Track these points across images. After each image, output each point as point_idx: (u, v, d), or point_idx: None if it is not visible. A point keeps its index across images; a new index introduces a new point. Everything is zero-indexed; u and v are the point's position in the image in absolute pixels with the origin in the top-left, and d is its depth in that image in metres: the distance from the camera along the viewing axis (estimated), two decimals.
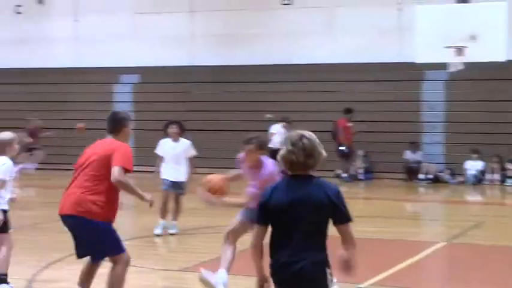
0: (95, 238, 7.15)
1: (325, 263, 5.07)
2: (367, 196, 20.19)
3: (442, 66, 18.26)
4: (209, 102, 23.87)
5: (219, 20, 24.12)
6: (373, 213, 15.76)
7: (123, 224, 11.67)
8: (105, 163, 7.11)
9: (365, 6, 22.67)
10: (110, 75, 24.95)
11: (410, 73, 21.83)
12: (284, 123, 21.49)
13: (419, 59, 17.94)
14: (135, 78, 25.00)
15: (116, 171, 7.02)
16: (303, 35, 23.29)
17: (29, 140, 22.53)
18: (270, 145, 21.35)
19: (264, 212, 5.09)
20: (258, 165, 8.25)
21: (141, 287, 8.99)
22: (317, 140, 5.15)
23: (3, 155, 8.53)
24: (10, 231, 8.71)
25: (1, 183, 8.42)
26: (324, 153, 5.13)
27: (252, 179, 8.28)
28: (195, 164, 12.74)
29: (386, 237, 12.85)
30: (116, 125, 7.54)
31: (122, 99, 24.89)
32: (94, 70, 24.99)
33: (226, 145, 20.55)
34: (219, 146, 22.43)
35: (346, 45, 22.68)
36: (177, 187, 12.61)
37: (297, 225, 4.99)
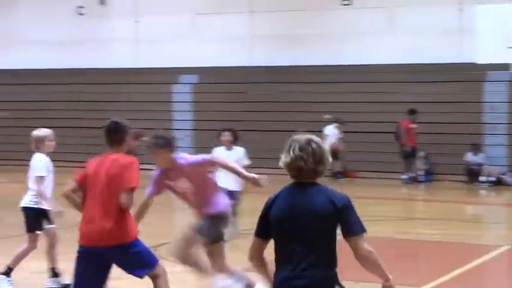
0: (132, 258, 6.84)
1: (333, 280, 4.57)
2: (427, 198, 19.91)
3: (505, 67, 17.94)
4: (267, 102, 23.80)
5: (278, 20, 24.05)
6: (434, 216, 15.54)
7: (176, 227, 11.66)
8: (119, 182, 6.63)
9: (425, 7, 22.38)
10: (168, 75, 25.07)
11: (471, 74, 21.48)
12: (337, 124, 21.35)
13: (481, 60, 17.66)
14: (194, 78, 25.07)
15: (124, 197, 6.61)
16: (362, 35, 23.09)
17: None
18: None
19: (264, 224, 4.63)
20: (174, 165, 7.60)
21: None
22: (324, 145, 4.70)
23: (39, 151, 8.69)
24: (50, 227, 8.89)
25: (39, 179, 8.57)
26: (330, 159, 4.68)
27: (183, 188, 7.59)
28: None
29: (447, 240, 12.64)
30: (119, 136, 6.86)
31: (181, 99, 24.99)
32: (153, 70, 25.13)
33: (283, 146, 20.45)
34: (276, 146, 22.17)
35: (406, 45, 22.41)
36: (231, 196, 11.93)
37: (299, 238, 4.50)
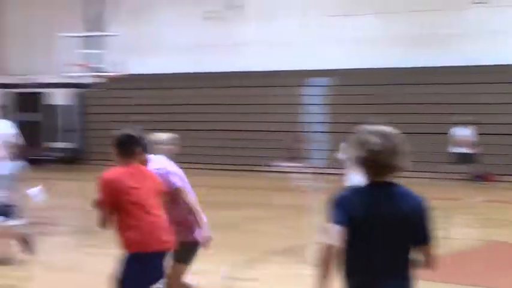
0: None
1: None
2: None
3: None
4: (405, 104, 23.36)
5: (410, 21, 23.65)
6: None
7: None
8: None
9: None
10: (300, 78, 25.06)
11: None
12: (470, 126, 20.78)
13: None
14: (326, 81, 24.97)
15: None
16: (496, 34, 22.43)
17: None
18: (459, 149, 20.75)
19: (346, 214, 4.00)
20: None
21: None
22: (402, 137, 4.10)
23: (156, 155, 8.56)
24: None
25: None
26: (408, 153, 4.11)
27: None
28: None
29: None
30: (133, 147, 6.38)
31: (313, 102, 24.94)
32: (285, 73, 25.18)
33: (417, 148, 20.09)
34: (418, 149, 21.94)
35: None
36: None
37: (379, 244, 4.01)
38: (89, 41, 26.75)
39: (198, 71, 26.39)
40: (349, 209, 4.00)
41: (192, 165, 25.22)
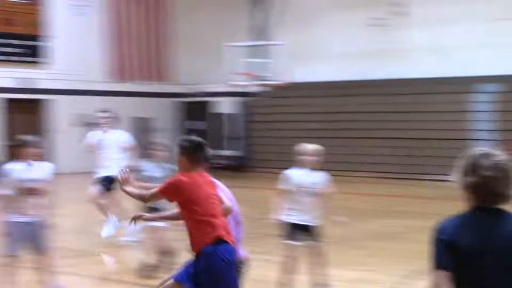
0: None
1: None
2: None
3: None
4: None
5: None
6: None
7: None
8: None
9: None
10: (468, 84, 24.45)
11: None
12: None
13: None
14: (494, 87, 24.24)
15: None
16: None
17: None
18: None
19: (451, 253, 3.66)
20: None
21: None
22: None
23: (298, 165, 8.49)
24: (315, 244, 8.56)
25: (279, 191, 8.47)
26: None
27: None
28: None
29: None
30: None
31: (481, 109, 24.27)
32: (451, 79, 24.64)
33: None
34: None
35: None
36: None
37: (497, 276, 3.64)
38: (254, 50, 27.18)
39: (363, 78, 26.26)
40: (453, 239, 3.67)
41: (356, 173, 25.19)
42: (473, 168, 3.73)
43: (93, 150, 13.37)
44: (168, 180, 6.37)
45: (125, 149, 13.29)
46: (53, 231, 8.57)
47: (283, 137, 25.68)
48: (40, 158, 8.35)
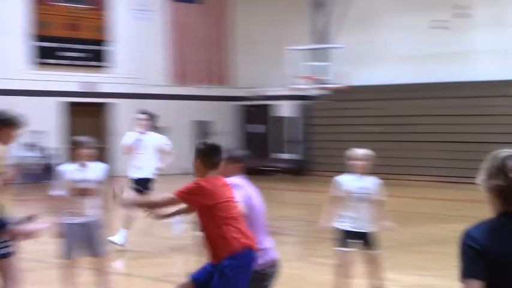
0: None
1: None
2: None
3: None
4: None
5: None
6: None
7: None
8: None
9: None
10: None
11: None
12: None
13: None
14: None
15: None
16: None
17: None
18: None
19: (482, 262, 3.51)
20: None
21: None
22: None
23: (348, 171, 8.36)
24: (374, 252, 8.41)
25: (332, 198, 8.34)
26: None
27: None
28: None
29: None
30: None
31: None
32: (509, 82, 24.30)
33: None
34: None
35: None
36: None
37: None
38: (314, 54, 27.16)
39: (425, 81, 26.00)
40: (485, 247, 3.51)
41: (418, 178, 25.00)
42: (498, 170, 3.59)
43: (129, 151, 13.10)
44: (186, 185, 6.23)
45: (161, 152, 13.18)
46: (107, 232, 8.66)
47: (342, 140, 25.58)
48: (94, 158, 8.36)
